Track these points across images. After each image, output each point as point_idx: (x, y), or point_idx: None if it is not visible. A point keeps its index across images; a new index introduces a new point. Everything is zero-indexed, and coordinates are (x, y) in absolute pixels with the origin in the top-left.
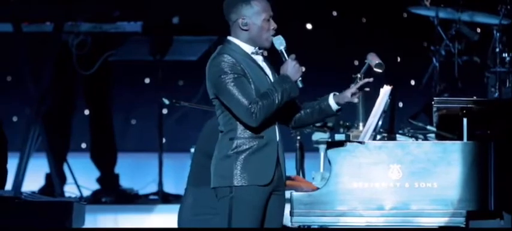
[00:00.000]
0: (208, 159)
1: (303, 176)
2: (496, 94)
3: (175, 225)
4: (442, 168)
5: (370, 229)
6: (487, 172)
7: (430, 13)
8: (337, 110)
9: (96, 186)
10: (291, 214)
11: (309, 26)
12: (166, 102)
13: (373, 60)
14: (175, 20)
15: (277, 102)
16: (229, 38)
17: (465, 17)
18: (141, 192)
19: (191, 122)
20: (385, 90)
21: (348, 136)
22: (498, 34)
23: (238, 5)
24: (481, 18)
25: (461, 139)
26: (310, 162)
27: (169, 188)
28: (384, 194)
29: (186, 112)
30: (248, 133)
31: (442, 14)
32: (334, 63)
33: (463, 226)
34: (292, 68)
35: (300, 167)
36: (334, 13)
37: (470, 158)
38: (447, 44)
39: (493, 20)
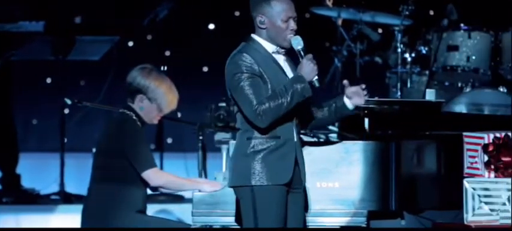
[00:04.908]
0: (109, 158)
1: (206, 176)
2: (398, 95)
3: (77, 225)
4: (343, 168)
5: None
6: (388, 172)
7: (332, 13)
8: (354, 109)
9: None
10: (192, 214)
11: (211, 26)
12: (69, 102)
13: None
14: (77, 19)
15: (286, 103)
16: (252, 35)
17: (367, 17)
18: (43, 192)
19: (93, 122)
20: None
21: None
22: (399, 35)
23: (259, 3)
24: (383, 19)
25: (362, 139)
26: (213, 162)
27: (71, 188)
28: None
29: (88, 112)
30: (265, 132)
31: (344, 15)
32: None
33: (365, 226)
34: (306, 68)
35: (203, 167)
36: (237, 13)
37: (372, 158)
38: (349, 44)
39: (394, 21)
